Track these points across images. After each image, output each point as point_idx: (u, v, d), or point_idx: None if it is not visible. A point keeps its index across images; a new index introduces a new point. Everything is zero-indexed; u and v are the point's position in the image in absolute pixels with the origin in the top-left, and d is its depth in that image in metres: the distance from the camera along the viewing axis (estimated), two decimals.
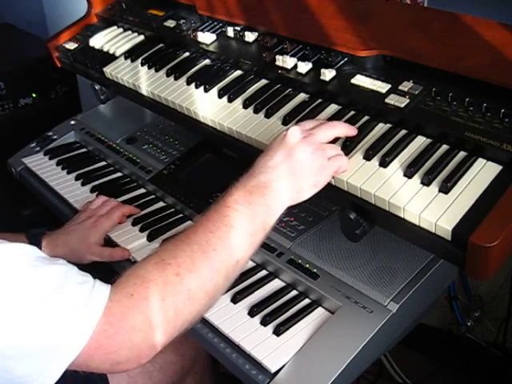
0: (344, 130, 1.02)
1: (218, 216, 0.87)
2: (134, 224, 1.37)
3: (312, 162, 0.93)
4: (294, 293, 1.14)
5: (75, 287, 0.77)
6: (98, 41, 1.64)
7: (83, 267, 0.84)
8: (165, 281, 0.80)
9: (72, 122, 1.86)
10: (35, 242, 1.28)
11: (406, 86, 1.08)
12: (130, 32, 1.64)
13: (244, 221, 0.87)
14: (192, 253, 0.83)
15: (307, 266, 1.15)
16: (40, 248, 1.26)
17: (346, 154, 1.01)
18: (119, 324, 0.77)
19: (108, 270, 1.33)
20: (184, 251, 0.83)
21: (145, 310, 0.78)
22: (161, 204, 1.46)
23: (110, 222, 1.33)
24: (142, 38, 1.59)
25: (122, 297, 0.78)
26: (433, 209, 0.89)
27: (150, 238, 1.32)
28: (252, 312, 1.09)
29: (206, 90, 1.29)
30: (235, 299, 1.12)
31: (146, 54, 1.49)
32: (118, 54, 1.55)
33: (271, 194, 0.89)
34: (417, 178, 0.95)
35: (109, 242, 1.33)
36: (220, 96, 1.26)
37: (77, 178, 1.60)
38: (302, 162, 0.92)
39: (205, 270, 0.83)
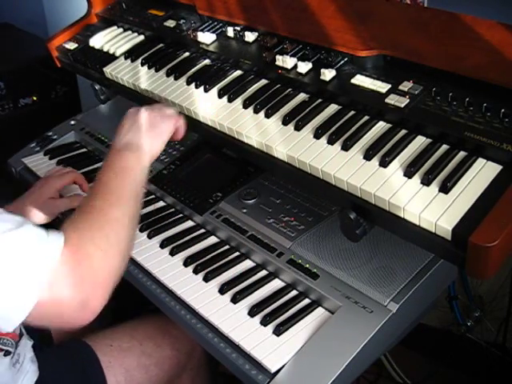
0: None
1: (116, 163, 1.08)
2: None
3: (155, 118, 1.17)
4: (294, 293, 1.14)
5: (34, 227, 0.87)
6: (98, 41, 1.64)
7: None
8: (93, 217, 0.95)
9: (72, 122, 1.86)
10: None
11: (405, 85, 1.08)
12: (130, 32, 1.64)
13: (133, 163, 1.09)
14: (105, 195, 1.01)
15: (307, 266, 1.15)
16: None
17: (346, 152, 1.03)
18: (76, 255, 0.88)
19: None
20: (99, 197, 1.00)
21: (92, 240, 0.91)
22: (161, 204, 1.46)
23: (61, 180, 1.45)
24: (141, 38, 1.59)
25: (71, 233, 0.90)
26: (433, 209, 0.89)
27: (150, 238, 1.32)
28: (252, 312, 1.09)
29: (206, 90, 1.29)
30: (235, 299, 1.13)
31: (146, 54, 1.49)
32: (117, 54, 1.55)
33: (133, 148, 1.11)
34: (417, 178, 0.95)
35: None
36: (220, 96, 1.26)
37: None
38: (149, 120, 1.16)
39: (120, 201, 1.01)
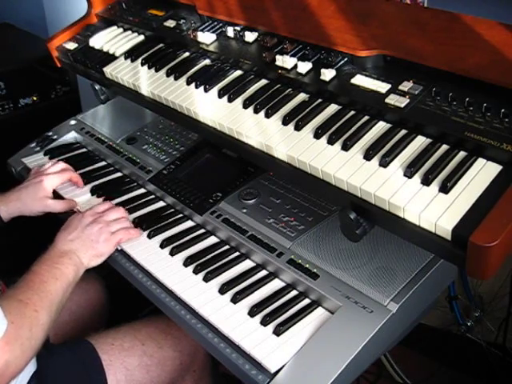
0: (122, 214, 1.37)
1: (50, 267, 1.19)
2: (133, 224, 1.37)
3: (99, 236, 1.28)
4: (294, 293, 1.14)
5: None
6: (97, 41, 1.64)
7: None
8: (27, 315, 1.07)
9: (72, 122, 1.86)
10: None
11: (405, 85, 1.08)
12: (129, 32, 1.64)
13: (65, 273, 1.20)
14: (40, 296, 1.12)
15: (307, 266, 1.15)
16: None
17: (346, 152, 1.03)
18: (3, 350, 1.01)
19: (108, 268, 1.34)
20: (36, 295, 1.12)
21: (22, 344, 1.04)
22: (161, 204, 1.46)
23: (58, 179, 1.52)
24: (142, 38, 1.59)
25: (11, 329, 1.02)
26: (433, 209, 0.89)
27: (150, 238, 1.33)
28: (252, 312, 1.09)
29: (206, 90, 1.29)
30: (235, 299, 1.13)
31: (146, 54, 1.49)
32: (117, 54, 1.55)
33: (74, 258, 1.24)
34: (417, 178, 0.95)
35: None
36: (220, 96, 1.26)
37: None
38: (92, 236, 1.28)
39: (50, 308, 1.14)
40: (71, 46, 1.71)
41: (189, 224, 1.37)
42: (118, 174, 1.62)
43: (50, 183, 1.49)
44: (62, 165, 1.57)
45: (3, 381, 1.02)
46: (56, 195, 1.52)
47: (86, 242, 1.27)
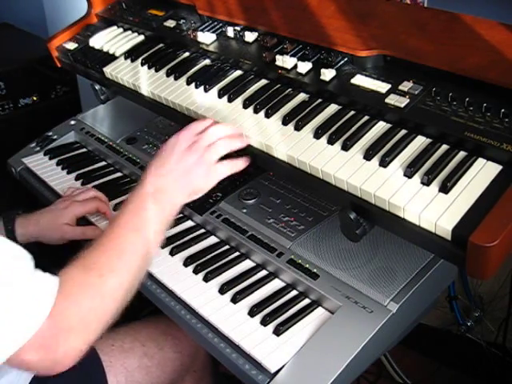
0: (230, 131, 1.13)
1: (131, 215, 1.01)
2: None
3: (197, 168, 1.06)
4: (294, 293, 1.14)
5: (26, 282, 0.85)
6: (98, 41, 1.64)
7: None
8: (90, 283, 0.92)
9: (72, 122, 1.86)
10: (8, 220, 1.36)
11: (405, 86, 1.08)
12: (129, 32, 1.64)
13: (152, 220, 1.01)
14: (110, 257, 0.96)
15: (307, 266, 1.15)
16: (13, 227, 1.35)
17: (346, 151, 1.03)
18: (56, 329, 0.86)
19: None
20: (104, 256, 0.96)
21: (78, 311, 0.89)
22: None
23: (82, 208, 1.40)
24: (142, 38, 1.59)
25: (61, 299, 0.87)
26: (433, 209, 0.89)
27: None
28: (252, 312, 1.09)
29: (206, 90, 1.29)
30: (235, 299, 1.13)
31: (146, 54, 1.49)
32: (118, 54, 1.55)
33: (168, 195, 1.04)
34: (417, 178, 0.95)
35: None
36: (220, 96, 1.26)
37: (77, 178, 1.60)
38: (189, 168, 1.06)
39: (122, 270, 0.96)
40: (71, 46, 1.71)
41: (189, 224, 1.37)
42: (118, 174, 1.62)
43: (74, 211, 1.39)
44: (92, 192, 1.45)
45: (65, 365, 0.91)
46: (85, 221, 1.43)
47: (181, 176, 1.05)
